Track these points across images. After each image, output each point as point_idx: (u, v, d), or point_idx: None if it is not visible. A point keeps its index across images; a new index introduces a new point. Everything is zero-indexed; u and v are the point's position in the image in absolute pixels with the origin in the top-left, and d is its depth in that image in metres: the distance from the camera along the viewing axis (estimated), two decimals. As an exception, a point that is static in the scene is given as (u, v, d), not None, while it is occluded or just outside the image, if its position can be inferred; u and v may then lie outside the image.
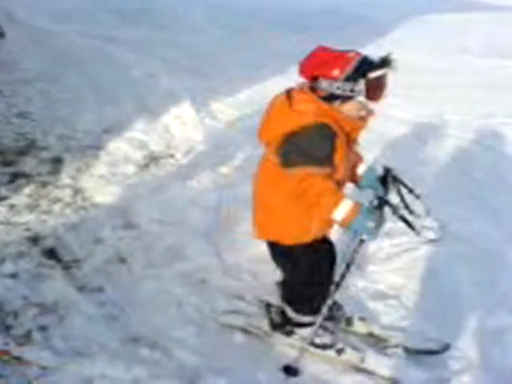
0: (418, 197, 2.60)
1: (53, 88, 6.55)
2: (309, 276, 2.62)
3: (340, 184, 2.45)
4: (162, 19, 12.08)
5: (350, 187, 2.70)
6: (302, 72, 2.38)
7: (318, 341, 2.80)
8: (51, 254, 3.45)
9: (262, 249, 3.58)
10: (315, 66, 2.32)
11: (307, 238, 2.52)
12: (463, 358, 2.86)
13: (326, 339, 2.83)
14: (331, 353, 2.80)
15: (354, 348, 2.84)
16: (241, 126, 5.79)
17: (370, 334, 2.97)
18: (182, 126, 5.60)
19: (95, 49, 8.46)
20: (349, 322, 2.98)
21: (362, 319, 3.01)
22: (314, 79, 2.33)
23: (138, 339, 2.86)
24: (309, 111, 2.29)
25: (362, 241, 2.49)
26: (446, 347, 2.84)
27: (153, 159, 4.90)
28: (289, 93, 2.40)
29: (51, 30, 9.78)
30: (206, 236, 3.71)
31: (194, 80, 7.41)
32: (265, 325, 2.94)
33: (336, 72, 2.26)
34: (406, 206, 2.54)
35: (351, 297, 3.24)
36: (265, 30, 12.43)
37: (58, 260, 3.40)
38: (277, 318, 2.90)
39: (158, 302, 3.13)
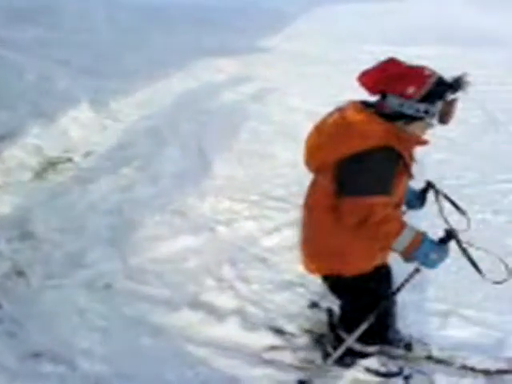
0: (463, 213, 2.41)
1: None
2: (374, 304, 2.44)
3: (398, 207, 2.33)
4: (55, 17, 11.60)
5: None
6: (368, 84, 2.14)
7: (383, 369, 2.69)
8: None
9: (166, 250, 3.57)
10: (387, 81, 2.09)
11: (370, 267, 2.38)
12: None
13: (391, 367, 2.71)
14: (399, 381, 2.66)
15: (421, 372, 2.71)
16: (141, 125, 5.67)
17: (429, 357, 2.83)
18: (81, 129, 5.42)
19: (-20, 51, 8.00)
20: (408, 347, 2.81)
21: (422, 343, 2.88)
22: (381, 94, 2.14)
23: (39, 354, 2.74)
24: (373, 133, 2.07)
25: (417, 270, 2.34)
26: None
27: (50, 165, 4.71)
28: (342, 111, 2.19)
29: None
30: (109, 240, 3.61)
31: (92, 80, 7.17)
32: (317, 358, 2.79)
33: (411, 90, 2.06)
34: (445, 220, 2.29)
35: (254, 291, 3.26)
36: (166, 26, 12.24)
37: (-51, 279, 3.20)
38: (332, 350, 2.67)
39: (59, 313, 3.01)
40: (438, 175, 4.96)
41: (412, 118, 2.11)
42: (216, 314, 3.09)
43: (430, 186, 2.48)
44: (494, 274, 2.21)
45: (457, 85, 2.09)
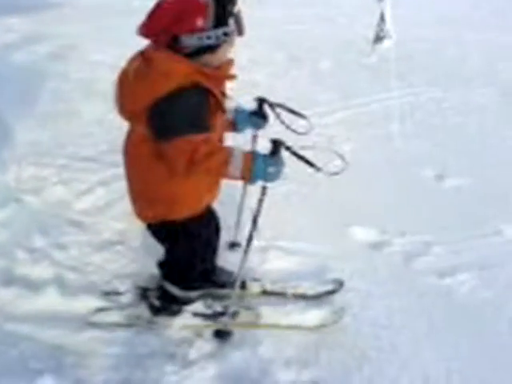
0: (302, 116, 2.49)
1: None
2: (203, 249, 2.47)
3: (221, 142, 2.28)
4: None
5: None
6: (153, 36, 2.06)
7: (209, 311, 2.70)
8: None
9: None
10: (170, 24, 2.00)
11: (200, 209, 2.35)
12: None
13: (216, 307, 2.72)
14: (225, 319, 2.64)
15: (248, 308, 2.76)
16: None
17: (264, 292, 2.90)
18: None
19: None
20: (243, 285, 2.81)
21: (255, 280, 2.93)
22: (171, 37, 2.02)
23: None
24: (177, 73, 2.00)
25: (264, 188, 2.32)
26: (342, 284, 2.93)
27: None
28: (143, 55, 2.07)
29: None
30: None
31: None
32: (144, 312, 2.70)
33: (200, 22, 1.99)
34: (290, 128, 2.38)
35: (71, 256, 3.14)
36: None
37: None
38: (157, 302, 2.65)
39: None
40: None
41: (216, 46, 2.09)
42: (33, 286, 2.91)
43: (262, 100, 2.52)
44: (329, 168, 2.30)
45: None
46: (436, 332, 2.73)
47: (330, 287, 2.95)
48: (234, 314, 2.71)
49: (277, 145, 2.18)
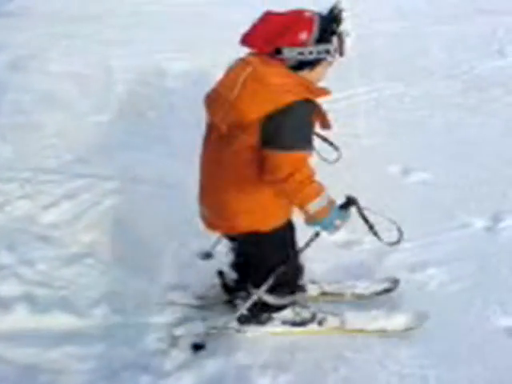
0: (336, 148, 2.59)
1: None
2: (290, 257, 2.46)
3: None
4: None
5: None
6: (258, 46, 2.13)
7: (298, 319, 2.70)
8: None
9: None
10: (276, 36, 2.07)
11: (284, 221, 2.38)
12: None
13: (305, 314, 2.72)
14: (314, 326, 2.70)
15: (334, 314, 2.76)
16: None
17: (323, 293, 2.94)
18: None
19: None
20: (303, 288, 2.84)
21: (313, 282, 2.94)
22: (274, 50, 2.09)
23: None
24: (288, 87, 2.04)
25: (317, 235, 2.39)
26: (397, 282, 2.97)
27: None
28: (249, 66, 2.10)
29: None
30: None
31: None
32: (230, 322, 2.67)
33: (304, 36, 2.06)
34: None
35: (40, 272, 3.08)
36: None
37: None
38: (245, 312, 2.62)
39: None
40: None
41: (315, 63, 2.14)
42: (1, 304, 2.86)
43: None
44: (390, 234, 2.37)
45: (339, 15, 2.14)
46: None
47: (386, 285, 2.97)
48: (322, 321, 2.74)
49: (350, 201, 2.26)
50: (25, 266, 3.12)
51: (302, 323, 2.72)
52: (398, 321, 2.75)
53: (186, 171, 4.08)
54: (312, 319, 2.73)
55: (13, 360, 2.59)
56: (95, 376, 2.53)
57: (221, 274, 2.86)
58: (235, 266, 2.76)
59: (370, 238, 3.37)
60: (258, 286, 2.51)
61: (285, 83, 2.07)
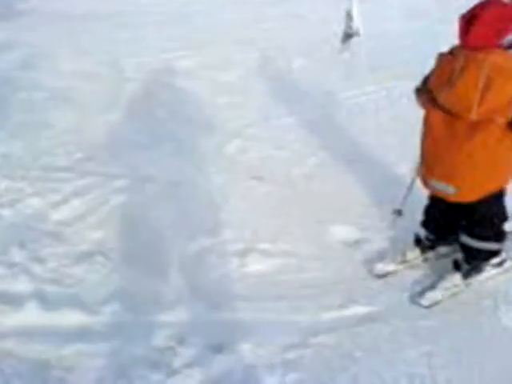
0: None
1: None
2: (504, 209, 2.90)
3: None
4: None
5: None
6: (485, 42, 2.50)
7: (498, 261, 3.05)
8: None
9: None
10: (503, 29, 2.48)
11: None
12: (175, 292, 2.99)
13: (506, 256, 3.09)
14: (507, 264, 3.08)
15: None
16: None
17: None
18: None
19: None
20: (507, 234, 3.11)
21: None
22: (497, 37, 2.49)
23: None
24: None
25: None
26: None
27: None
28: (484, 56, 2.47)
29: None
30: None
31: None
32: (455, 280, 2.98)
33: None
34: None
35: (51, 269, 3.10)
36: None
37: None
38: (467, 266, 2.98)
39: None
40: (223, 118, 5.14)
41: None
42: (13, 301, 2.87)
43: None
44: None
45: None
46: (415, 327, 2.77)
47: None
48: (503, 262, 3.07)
49: None
50: (36, 263, 3.14)
51: (501, 264, 3.07)
52: None
53: (193, 170, 4.14)
54: (503, 261, 3.07)
55: (25, 356, 2.60)
56: (105, 373, 2.53)
57: (417, 236, 3.21)
58: (433, 225, 3.13)
59: (378, 235, 3.40)
60: (480, 238, 2.90)
61: None
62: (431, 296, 2.90)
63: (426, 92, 2.84)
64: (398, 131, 4.83)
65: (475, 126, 2.59)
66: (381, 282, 3.06)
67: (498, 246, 2.97)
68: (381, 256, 3.22)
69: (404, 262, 3.13)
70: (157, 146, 4.49)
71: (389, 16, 8.81)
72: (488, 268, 3.02)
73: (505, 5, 2.51)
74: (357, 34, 6.91)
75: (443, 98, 2.62)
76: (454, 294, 2.93)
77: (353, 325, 2.78)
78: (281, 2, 10.00)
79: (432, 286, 2.96)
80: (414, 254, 3.16)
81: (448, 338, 2.68)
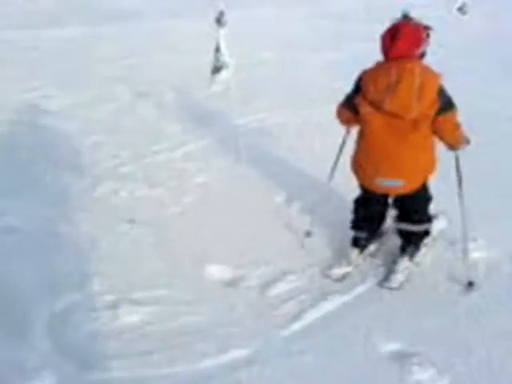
0: None
1: None
2: (430, 192, 3.42)
3: None
4: None
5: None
6: (404, 54, 2.96)
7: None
8: None
9: None
10: (414, 44, 3.00)
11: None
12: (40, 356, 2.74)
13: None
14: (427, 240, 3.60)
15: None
16: None
17: None
18: None
19: None
20: None
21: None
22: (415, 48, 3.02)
23: None
24: (437, 73, 3.01)
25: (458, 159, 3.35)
26: None
27: None
28: (400, 66, 2.94)
29: None
30: None
31: None
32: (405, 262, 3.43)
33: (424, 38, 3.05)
34: None
35: None
36: None
37: None
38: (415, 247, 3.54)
39: None
40: (94, 158, 4.94)
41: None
42: None
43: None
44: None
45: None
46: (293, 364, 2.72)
47: None
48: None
49: None
50: None
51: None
52: None
53: (58, 218, 3.89)
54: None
55: None
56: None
57: (355, 241, 3.59)
58: (367, 224, 3.56)
59: (255, 272, 3.36)
60: (419, 222, 3.44)
61: (435, 72, 3.04)
62: (396, 278, 3.33)
63: (349, 107, 3.21)
64: (269, 162, 4.86)
65: (415, 122, 3.04)
66: (258, 321, 3.02)
67: (430, 226, 3.54)
68: (260, 290, 3.19)
69: (351, 262, 3.47)
70: (17, 193, 4.22)
71: (259, 46, 9.01)
72: (421, 245, 3.56)
73: (414, 22, 3.05)
74: (226, 66, 6.93)
75: (388, 103, 2.98)
76: (410, 274, 3.38)
77: (233, 370, 2.70)
78: (152, 32, 9.96)
79: (391, 271, 3.39)
80: (355, 253, 3.51)
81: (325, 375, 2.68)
